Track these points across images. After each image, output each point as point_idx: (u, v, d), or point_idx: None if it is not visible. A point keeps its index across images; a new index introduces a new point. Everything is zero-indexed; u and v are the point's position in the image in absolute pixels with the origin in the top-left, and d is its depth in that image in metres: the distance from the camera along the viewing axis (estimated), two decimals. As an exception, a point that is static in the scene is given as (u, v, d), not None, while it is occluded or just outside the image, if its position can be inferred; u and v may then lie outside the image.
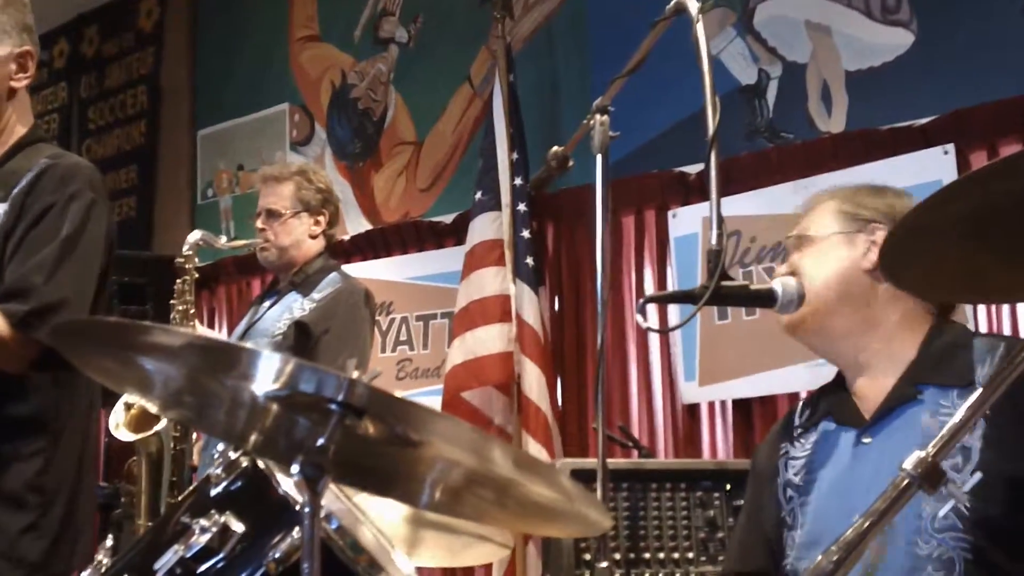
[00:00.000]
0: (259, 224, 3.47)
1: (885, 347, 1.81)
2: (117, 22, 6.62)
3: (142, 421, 3.54)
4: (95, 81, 6.71)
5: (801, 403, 2.01)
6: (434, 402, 4.35)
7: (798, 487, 1.86)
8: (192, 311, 3.62)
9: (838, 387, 1.91)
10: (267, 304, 3.46)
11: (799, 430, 1.94)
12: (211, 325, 5.65)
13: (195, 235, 3.70)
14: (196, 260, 3.70)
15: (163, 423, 3.51)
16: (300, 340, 3.26)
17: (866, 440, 1.77)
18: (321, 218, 3.49)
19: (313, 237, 3.47)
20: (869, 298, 1.81)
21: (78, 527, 2.20)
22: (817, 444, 1.88)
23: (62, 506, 2.15)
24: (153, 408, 2.64)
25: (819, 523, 1.80)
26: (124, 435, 3.50)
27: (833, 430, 1.86)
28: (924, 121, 3.60)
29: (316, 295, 3.37)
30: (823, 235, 1.88)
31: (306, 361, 1.16)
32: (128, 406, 3.56)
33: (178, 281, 3.66)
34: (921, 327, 1.81)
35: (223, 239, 3.91)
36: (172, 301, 3.61)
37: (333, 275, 3.47)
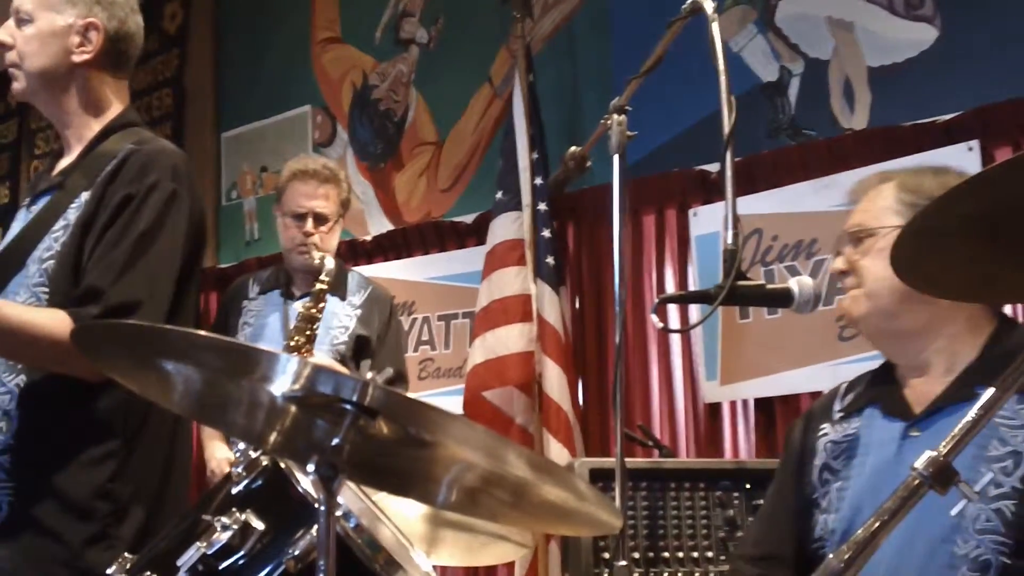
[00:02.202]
0: (308, 227, 3.34)
1: (947, 347, 1.78)
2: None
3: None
4: (120, 84, 6.76)
5: (844, 385, 1.97)
6: (455, 402, 4.37)
7: (836, 471, 1.83)
8: (316, 335, 3.28)
9: (886, 378, 1.87)
10: (299, 308, 3.34)
11: (840, 413, 1.90)
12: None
13: (331, 262, 3.29)
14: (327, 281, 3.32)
15: None
16: (359, 351, 3.30)
17: (914, 433, 1.75)
18: (343, 220, 3.52)
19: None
20: (934, 300, 1.71)
21: None
22: (860, 430, 1.84)
23: (140, 515, 2.01)
24: (174, 409, 2.55)
25: (856, 510, 1.77)
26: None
27: (879, 419, 1.83)
28: (948, 117, 3.57)
29: (354, 300, 3.39)
30: (884, 228, 1.81)
31: (323, 364, 1.18)
32: None
33: (312, 307, 3.26)
34: (984, 329, 1.78)
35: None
36: (300, 324, 3.25)
37: (355, 276, 3.50)
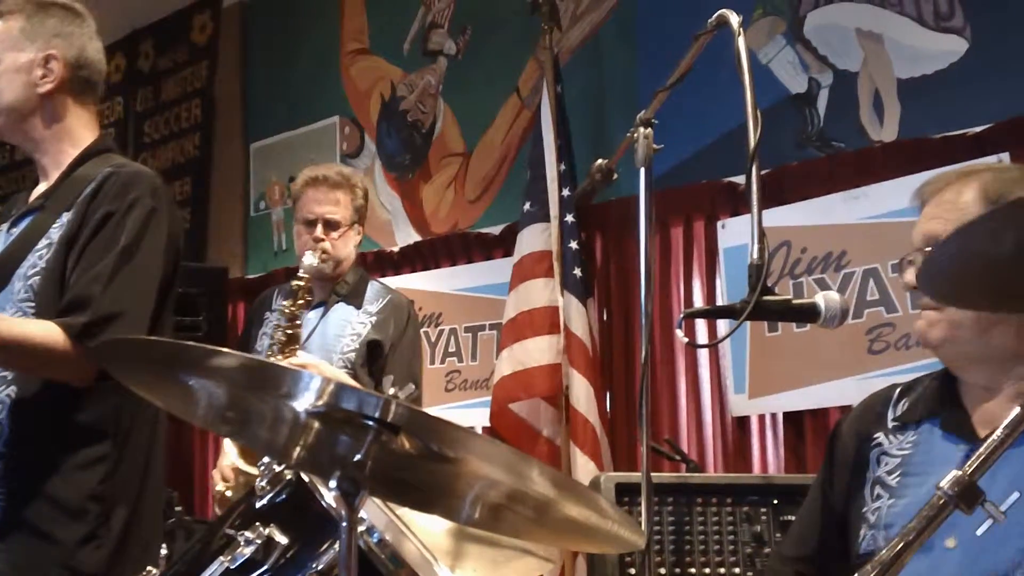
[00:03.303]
0: (318, 233, 3.29)
1: (1021, 372, 1.68)
2: (171, 37, 6.73)
3: (249, 453, 3.28)
4: (151, 95, 6.82)
5: (897, 390, 1.86)
6: (482, 414, 4.36)
7: (890, 487, 1.75)
8: (300, 335, 3.28)
9: (949, 391, 1.76)
10: (313, 316, 3.35)
11: (895, 423, 1.81)
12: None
13: (310, 259, 3.26)
14: (310, 284, 3.30)
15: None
16: (371, 358, 3.25)
17: None
18: (362, 228, 3.44)
19: (356, 248, 3.43)
20: (1019, 323, 1.64)
21: (145, 536, 2.17)
22: (918, 447, 1.75)
23: (124, 516, 2.12)
24: (196, 423, 2.57)
25: None
26: (247, 467, 3.21)
27: (939, 437, 1.73)
28: (978, 129, 3.54)
29: (371, 308, 3.34)
30: None
31: (347, 381, 1.17)
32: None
33: (289, 304, 3.25)
34: None
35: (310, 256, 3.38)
36: (278, 324, 3.25)
37: (376, 286, 3.44)
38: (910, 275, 1.76)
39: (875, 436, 1.82)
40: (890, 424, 1.82)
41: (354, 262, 3.44)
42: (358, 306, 3.35)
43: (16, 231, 2.22)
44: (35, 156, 2.31)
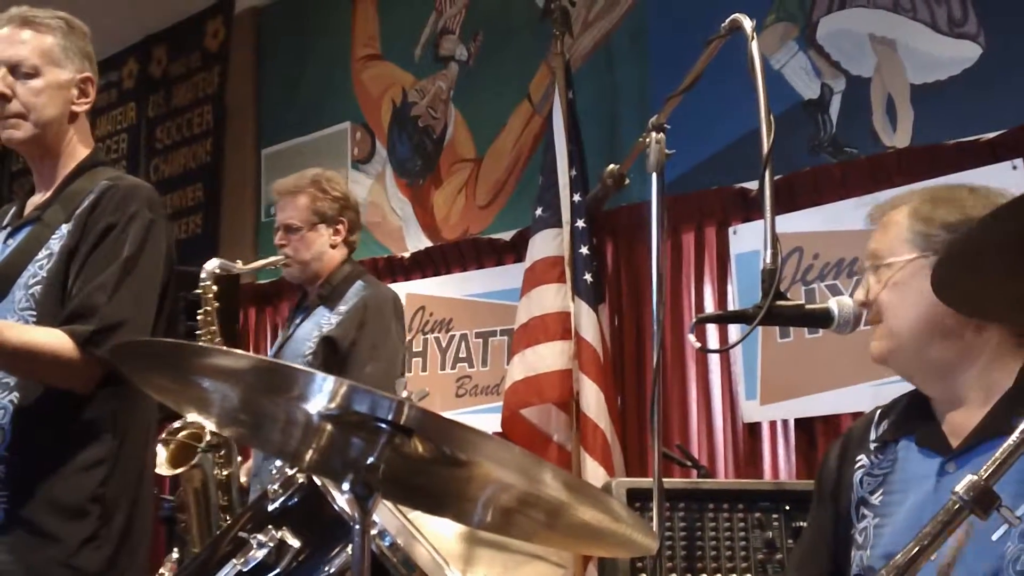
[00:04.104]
0: (278, 240, 3.46)
1: (981, 377, 1.69)
2: (184, 42, 6.75)
3: (180, 455, 3.52)
4: (162, 100, 6.84)
5: (878, 412, 1.89)
6: (493, 419, 4.36)
7: (873, 507, 1.77)
8: (218, 340, 3.58)
9: (922, 408, 1.79)
10: (297, 321, 3.45)
11: (875, 443, 1.83)
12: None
13: (212, 263, 3.62)
14: (214, 289, 3.62)
15: (198, 457, 3.47)
16: (328, 355, 3.24)
17: (951, 469, 1.67)
18: (340, 227, 3.45)
19: (334, 247, 3.44)
20: (963, 329, 1.67)
21: (138, 537, 2.23)
22: (896, 464, 1.77)
23: (122, 516, 2.18)
24: (210, 425, 2.66)
25: (894, 548, 1.62)
26: (165, 471, 3.47)
27: (915, 452, 1.75)
28: (992, 135, 3.53)
29: (342, 307, 3.33)
30: (899, 261, 1.72)
31: (357, 383, 1.17)
32: (167, 442, 3.51)
33: (200, 313, 3.61)
34: (1017, 356, 1.69)
35: (239, 263, 3.78)
36: (197, 332, 3.57)
37: (358, 284, 3.42)
38: (860, 293, 1.78)
39: (858, 459, 1.84)
40: (871, 445, 1.83)
41: (340, 263, 3.46)
42: (331, 307, 3.36)
43: (14, 242, 2.28)
44: (37, 166, 2.37)
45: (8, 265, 2.23)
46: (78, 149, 2.36)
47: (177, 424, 3.52)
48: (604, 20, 4.75)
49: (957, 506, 1.09)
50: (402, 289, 5.04)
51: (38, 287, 2.17)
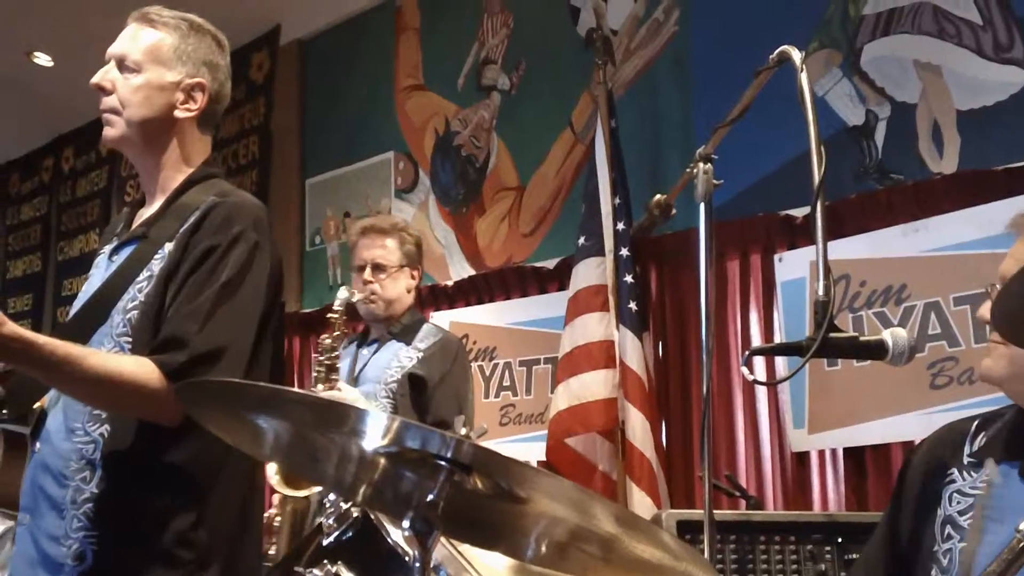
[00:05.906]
0: (367, 276, 3.51)
1: None
2: (230, 74, 6.82)
3: (292, 478, 3.44)
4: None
5: (975, 423, 1.79)
6: (537, 448, 4.35)
7: (962, 529, 1.67)
8: (337, 366, 3.52)
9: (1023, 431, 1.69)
10: (367, 352, 3.56)
11: (971, 459, 1.74)
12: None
13: (344, 293, 3.56)
14: (345, 317, 3.58)
15: (316, 488, 3.37)
16: (414, 391, 3.36)
17: None
18: (416, 272, 3.60)
19: (409, 291, 3.57)
20: None
21: None
22: (992, 489, 1.68)
23: (219, 563, 1.98)
24: (265, 460, 2.49)
25: None
26: (283, 488, 3.41)
27: (1016, 482, 1.66)
28: (1041, 160, 3.50)
29: (420, 344, 3.47)
30: None
31: (411, 420, 1.18)
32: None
33: (327, 337, 3.53)
34: None
35: (356, 294, 3.60)
36: (318, 355, 3.53)
37: (429, 326, 3.59)
38: (985, 309, 1.71)
39: (949, 471, 1.75)
40: (965, 460, 1.75)
41: (410, 305, 3.59)
42: (408, 343, 3.49)
43: (118, 259, 2.13)
44: (144, 176, 2.23)
45: (108, 287, 2.07)
46: (190, 159, 2.20)
47: None
48: (647, 48, 4.76)
49: (1022, 544, 1.07)
50: (445, 317, 5.07)
51: (135, 312, 2.01)
